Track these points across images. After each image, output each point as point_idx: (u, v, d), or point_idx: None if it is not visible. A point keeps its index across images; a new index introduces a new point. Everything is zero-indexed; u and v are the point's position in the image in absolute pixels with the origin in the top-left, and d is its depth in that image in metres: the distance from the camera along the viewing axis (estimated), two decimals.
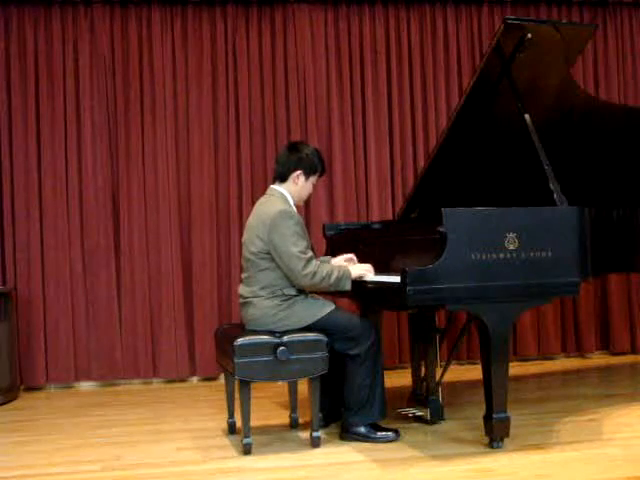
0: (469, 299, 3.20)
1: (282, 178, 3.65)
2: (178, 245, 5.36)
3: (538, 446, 3.34)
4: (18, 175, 5.25)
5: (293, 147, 3.71)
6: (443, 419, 3.84)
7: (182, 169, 5.41)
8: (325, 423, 3.76)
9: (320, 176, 3.76)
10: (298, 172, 3.63)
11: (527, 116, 3.64)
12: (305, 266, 3.42)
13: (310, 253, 3.49)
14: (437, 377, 3.83)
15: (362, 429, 3.53)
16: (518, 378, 4.96)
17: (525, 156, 3.67)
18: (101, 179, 5.33)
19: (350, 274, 3.52)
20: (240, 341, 3.39)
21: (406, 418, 3.85)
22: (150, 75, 5.38)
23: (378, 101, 5.59)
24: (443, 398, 3.87)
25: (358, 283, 3.57)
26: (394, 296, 3.26)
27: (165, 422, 4.13)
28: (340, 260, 3.76)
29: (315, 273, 3.42)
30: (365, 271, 3.59)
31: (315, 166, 3.67)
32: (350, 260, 3.76)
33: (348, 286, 3.50)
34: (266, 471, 3.17)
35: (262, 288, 3.52)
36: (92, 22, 5.36)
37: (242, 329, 3.59)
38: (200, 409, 4.46)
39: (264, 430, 3.81)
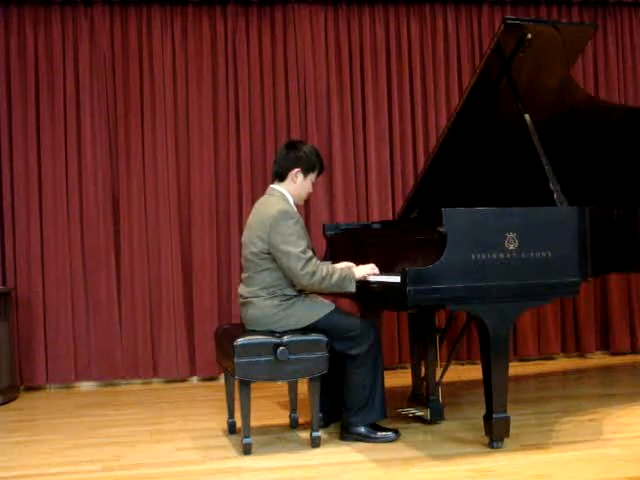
0: (469, 299, 3.20)
1: (281, 177, 3.65)
2: (178, 245, 5.36)
3: (538, 446, 3.34)
4: (18, 175, 5.25)
5: (291, 145, 3.70)
6: (443, 419, 3.84)
7: (182, 169, 5.41)
8: (325, 423, 3.76)
9: (319, 174, 3.74)
10: (296, 170, 3.62)
11: (527, 116, 3.64)
12: (304, 266, 3.41)
13: (310, 253, 3.48)
14: (437, 377, 3.83)
15: (362, 429, 3.53)
16: (518, 378, 4.96)
17: (525, 156, 3.68)
18: (101, 179, 5.33)
19: (354, 275, 3.50)
20: (240, 341, 3.38)
21: (406, 418, 3.85)
22: (150, 75, 5.38)
23: (378, 101, 5.59)
24: (443, 398, 3.87)
25: (358, 283, 3.56)
26: (394, 296, 3.26)
27: (165, 422, 4.14)
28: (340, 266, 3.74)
29: (314, 273, 3.42)
30: (369, 271, 3.57)
31: (313, 163, 3.66)
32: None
33: (352, 288, 3.48)
34: (266, 471, 3.17)
35: (262, 288, 3.52)
36: (92, 22, 5.36)
37: (242, 329, 3.59)
38: (200, 409, 4.46)
39: (264, 430, 3.81)
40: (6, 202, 5.25)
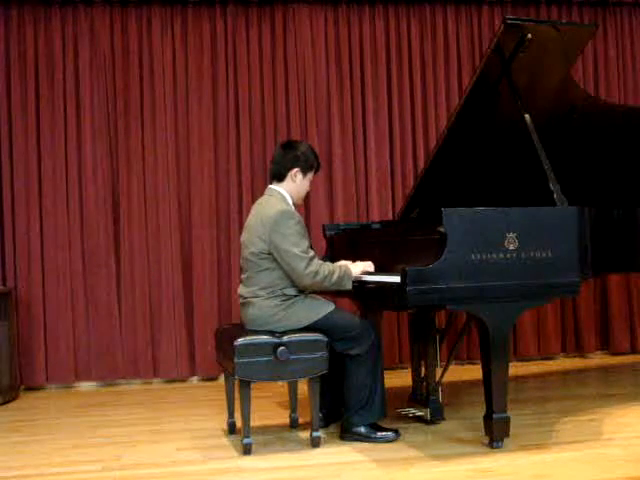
0: (469, 299, 3.19)
1: (280, 177, 3.65)
2: (178, 245, 5.36)
3: (538, 446, 3.34)
4: (18, 175, 5.25)
5: (288, 145, 3.71)
6: (443, 419, 3.84)
7: (182, 169, 5.41)
8: (325, 423, 3.77)
9: (316, 172, 3.75)
10: (295, 170, 3.63)
11: (527, 116, 3.64)
12: (307, 265, 3.42)
13: (312, 252, 3.49)
14: (437, 377, 3.83)
15: (362, 429, 3.53)
16: (518, 378, 4.96)
17: (525, 156, 3.68)
18: (101, 179, 5.33)
19: (351, 273, 3.53)
20: (240, 341, 3.38)
21: (406, 418, 3.85)
22: (150, 75, 5.38)
23: (378, 101, 5.59)
24: (443, 398, 3.87)
25: (359, 283, 3.57)
26: (394, 296, 3.25)
27: (165, 422, 4.13)
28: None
29: (317, 272, 3.42)
30: (366, 268, 3.60)
31: (311, 162, 3.68)
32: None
33: (349, 285, 3.51)
34: (266, 471, 3.17)
35: (262, 288, 3.52)
36: (92, 22, 5.36)
37: (242, 329, 3.59)
38: (200, 409, 4.45)
39: (264, 430, 3.81)
40: (6, 202, 5.25)
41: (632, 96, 5.89)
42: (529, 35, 3.59)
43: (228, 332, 3.66)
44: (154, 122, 5.38)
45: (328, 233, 4.39)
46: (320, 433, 3.50)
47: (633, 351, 5.78)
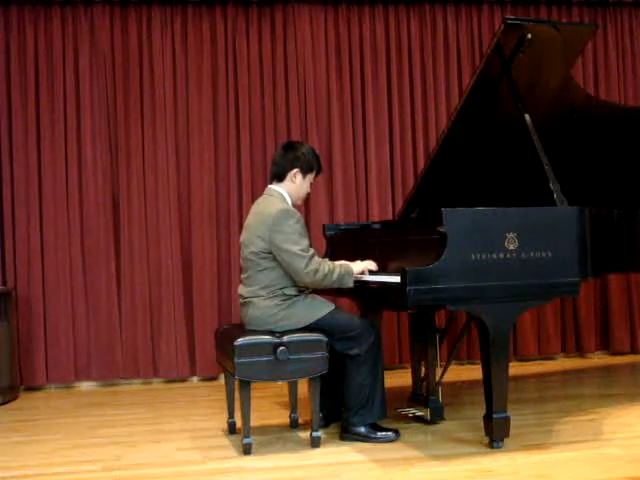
0: (469, 299, 3.19)
1: (279, 177, 3.65)
2: (178, 245, 5.36)
3: (538, 446, 3.34)
4: (18, 175, 5.25)
5: (289, 146, 3.71)
6: (443, 419, 3.84)
7: (182, 169, 5.41)
8: (325, 423, 3.76)
9: (317, 174, 3.75)
10: (295, 170, 3.63)
11: (527, 116, 3.64)
12: (308, 264, 3.42)
13: (312, 251, 3.49)
14: (437, 377, 3.83)
15: (362, 429, 3.53)
16: (518, 378, 4.96)
17: (525, 156, 3.68)
18: (101, 179, 5.33)
19: (352, 271, 3.53)
20: (240, 341, 3.38)
21: (406, 418, 3.85)
22: (150, 75, 5.39)
23: (378, 101, 5.59)
24: (443, 398, 3.87)
25: (359, 283, 3.57)
26: (394, 296, 3.26)
27: (165, 422, 4.13)
28: None
29: (317, 270, 3.43)
30: (367, 267, 3.61)
31: (312, 164, 3.67)
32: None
33: (350, 283, 3.51)
34: (266, 471, 3.17)
35: (262, 288, 3.52)
36: (92, 22, 5.36)
37: (242, 329, 3.59)
38: (200, 409, 4.46)
39: (264, 430, 3.81)
40: (6, 202, 5.25)
41: (632, 96, 5.89)
42: (529, 35, 3.60)
43: (228, 332, 3.66)
44: (154, 122, 5.38)
45: (328, 233, 4.39)
46: (320, 433, 3.49)
47: (633, 351, 5.78)
